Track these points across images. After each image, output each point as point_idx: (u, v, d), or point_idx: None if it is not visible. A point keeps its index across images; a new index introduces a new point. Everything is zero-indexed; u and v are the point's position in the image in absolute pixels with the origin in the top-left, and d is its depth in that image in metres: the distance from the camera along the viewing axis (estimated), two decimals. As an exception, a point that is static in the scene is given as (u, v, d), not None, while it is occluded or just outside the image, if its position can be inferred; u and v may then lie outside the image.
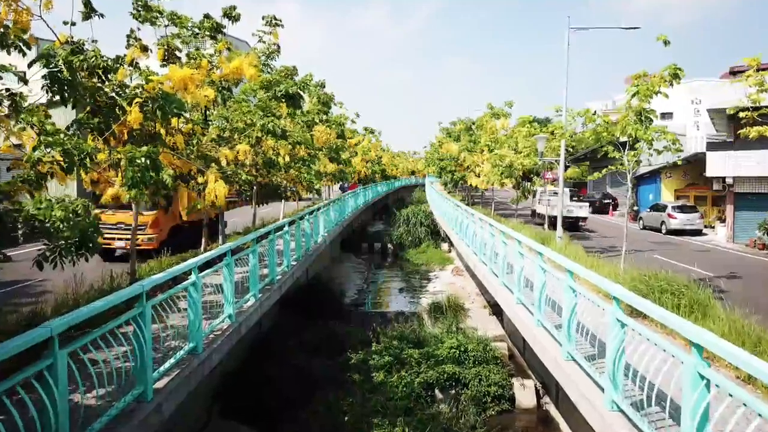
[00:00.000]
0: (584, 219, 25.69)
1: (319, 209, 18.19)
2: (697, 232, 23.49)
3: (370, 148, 36.94)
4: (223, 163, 10.32)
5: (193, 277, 6.94)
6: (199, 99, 8.92)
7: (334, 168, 23.14)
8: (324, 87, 20.91)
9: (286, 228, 12.64)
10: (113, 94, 7.59)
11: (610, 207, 34.02)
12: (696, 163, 25.25)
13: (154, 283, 5.71)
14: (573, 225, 24.95)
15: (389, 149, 67.55)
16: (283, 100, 10.32)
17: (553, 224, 18.81)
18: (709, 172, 22.19)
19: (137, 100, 7.40)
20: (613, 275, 10.82)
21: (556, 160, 16.14)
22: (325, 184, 24.96)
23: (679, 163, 22.01)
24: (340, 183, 35.02)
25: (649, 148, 10.83)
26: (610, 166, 12.47)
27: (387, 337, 14.29)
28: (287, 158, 12.07)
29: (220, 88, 9.31)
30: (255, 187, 13.37)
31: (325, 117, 16.04)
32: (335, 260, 28.72)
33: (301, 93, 11.91)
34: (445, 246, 35.13)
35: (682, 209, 23.53)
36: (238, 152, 10.61)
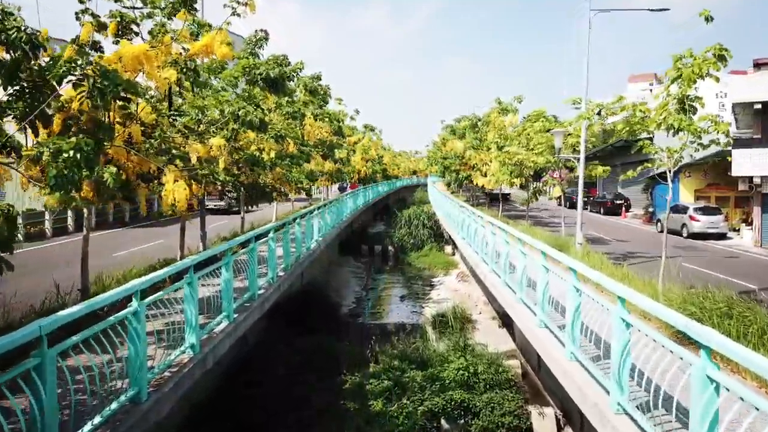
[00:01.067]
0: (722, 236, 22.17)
1: (312, 212, 16.66)
2: (721, 236, 21.90)
3: (370, 146, 35.38)
4: (194, 160, 8.78)
5: (134, 305, 5.40)
6: (158, 81, 7.37)
7: (331, 167, 21.63)
8: (320, 80, 19.37)
9: (271, 234, 11.09)
10: (42, 73, 6.04)
11: (623, 208, 32.40)
12: (718, 161, 23.61)
13: (60, 323, 4.15)
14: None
15: (390, 148, 65.99)
16: (265, 86, 8.76)
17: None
18: (735, 171, 20.58)
19: (69, 79, 5.86)
20: (652, 293, 9.27)
21: (575, 158, 14.57)
22: (322, 184, 23.42)
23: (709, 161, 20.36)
24: (339, 183, 33.50)
25: (693, 142, 9.24)
26: (646, 164, 10.90)
27: (386, 356, 12.76)
28: (272, 154, 10.53)
29: (183, 69, 7.75)
30: (240, 189, 11.85)
31: (319, 111, 14.41)
32: (333, 264, 27.17)
33: (288, 78, 10.37)
34: (448, 249, 33.55)
35: (705, 211, 21.92)
36: (211, 147, 9.07)
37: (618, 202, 32.57)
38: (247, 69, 9.71)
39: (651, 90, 60.61)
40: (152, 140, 7.81)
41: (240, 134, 9.19)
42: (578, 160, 14.51)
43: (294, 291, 15.84)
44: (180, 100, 10.55)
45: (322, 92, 17.49)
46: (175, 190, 6.74)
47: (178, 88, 9.72)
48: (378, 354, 12.90)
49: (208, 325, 7.68)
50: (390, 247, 35.37)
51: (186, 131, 8.22)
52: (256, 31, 17.47)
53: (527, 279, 9.53)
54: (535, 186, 19.54)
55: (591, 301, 6.38)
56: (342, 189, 36.87)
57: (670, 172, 9.99)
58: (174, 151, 7.84)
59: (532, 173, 19.04)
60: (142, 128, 7.71)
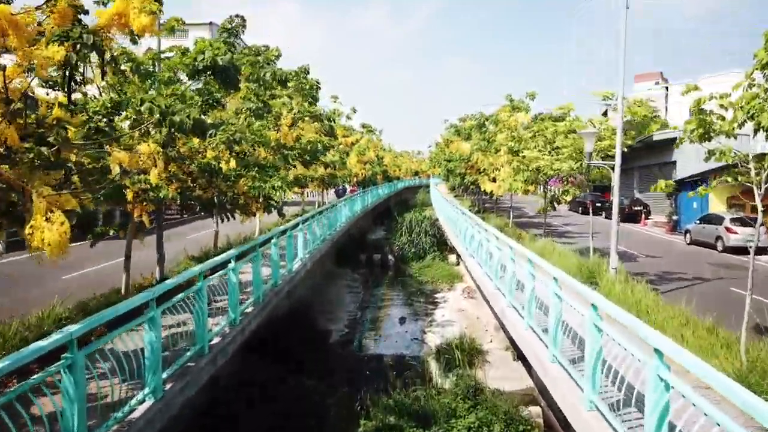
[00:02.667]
0: None
1: (297, 225, 14.29)
2: (762, 250, 19.46)
3: (368, 147, 32.96)
4: (116, 171, 6.44)
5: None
6: (38, 62, 5.03)
7: (323, 172, 19.28)
8: (307, 73, 16.99)
9: (232, 265, 8.73)
10: None
11: (642, 215, 29.93)
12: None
13: None
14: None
15: (391, 149, 63.56)
16: (210, 75, 6.41)
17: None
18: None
19: None
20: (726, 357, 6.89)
21: (608, 165, 12.16)
22: (314, 189, 21.04)
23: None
24: (335, 188, 31.16)
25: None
26: (727, 174, 8.55)
27: (380, 409, 10.39)
28: (232, 164, 8.18)
29: (77, 45, 5.41)
30: (196, 205, 9.49)
31: (302, 109, 11.95)
32: (328, 276, 24.83)
33: (259, 67, 8.03)
34: (452, 257, 31.13)
35: (744, 222, 19.48)
36: (140, 155, 6.71)
37: (636, 208, 30.09)
38: (187, 54, 7.33)
39: (667, 89, 57.97)
40: (42, 147, 5.44)
41: (181, 139, 6.90)
42: (612, 168, 12.10)
43: (281, 313, 13.51)
44: (113, 95, 8.23)
45: (308, 86, 15.12)
46: (45, 227, 4.37)
47: (104, 78, 7.39)
48: (370, 406, 10.54)
49: (118, 414, 5.31)
50: (390, 256, 33.02)
51: (98, 135, 5.85)
52: (230, 17, 15.07)
53: (572, 335, 7.17)
54: (552, 193, 17.11)
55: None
56: (339, 194, 34.45)
57: (759, 188, 7.55)
58: (71, 163, 5.47)
59: (548, 180, 16.69)
60: (28, 130, 5.40)
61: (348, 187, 37.19)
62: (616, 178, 11.93)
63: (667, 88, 44.37)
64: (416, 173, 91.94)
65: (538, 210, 17.32)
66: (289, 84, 11.31)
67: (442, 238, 31.94)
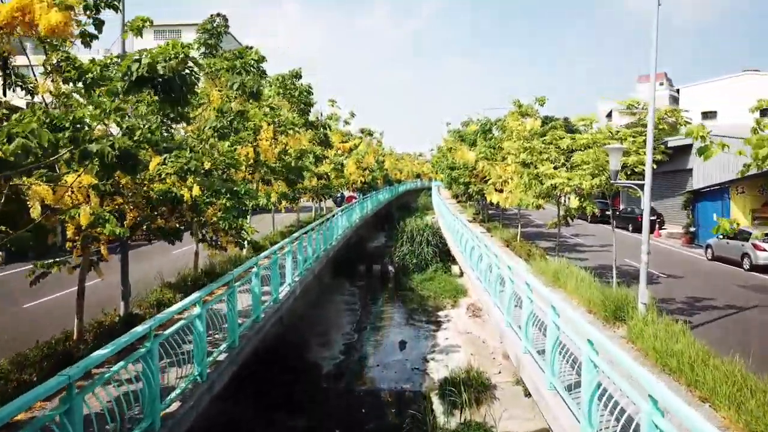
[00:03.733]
0: None
1: (285, 248, 12.85)
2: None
3: (368, 152, 31.47)
4: (37, 213, 5.05)
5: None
6: None
7: (317, 183, 17.88)
8: (298, 77, 15.56)
9: (197, 311, 7.30)
10: None
11: (656, 225, 28.40)
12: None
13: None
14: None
15: (392, 152, 62.06)
16: (151, 87, 4.98)
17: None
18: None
19: None
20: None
21: (637, 185, 10.67)
22: (307, 198, 19.63)
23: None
24: (333, 196, 29.73)
25: None
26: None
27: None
28: (195, 191, 6.75)
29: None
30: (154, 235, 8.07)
31: (284, 120, 10.46)
32: (324, 292, 23.40)
33: (197, 74, 6.57)
34: (455, 268, 29.66)
35: (773, 238, 17.94)
36: (69, 188, 5.29)
37: (650, 217, 28.38)
38: (120, 62, 5.80)
39: (678, 92, 56.39)
40: None
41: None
42: (641, 188, 10.63)
43: (266, 346, 12.08)
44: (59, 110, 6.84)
45: (297, 92, 13.67)
46: None
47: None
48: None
49: None
50: (390, 267, 31.58)
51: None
52: (211, 15, 13.70)
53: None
54: (566, 208, 15.64)
55: None
56: (337, 201, 33.00)
57: None
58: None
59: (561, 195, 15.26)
60: None
61: (346, 194, 35.71)
62: (646, 200, 10.45)
63: (678, 91, 42.78)
64: (418, 175, 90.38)
65: (550, 224, 15.83)
66: (267, 92, 9.84)
67: (445, 247, 30.51)
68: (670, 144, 27.96)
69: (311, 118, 18.17)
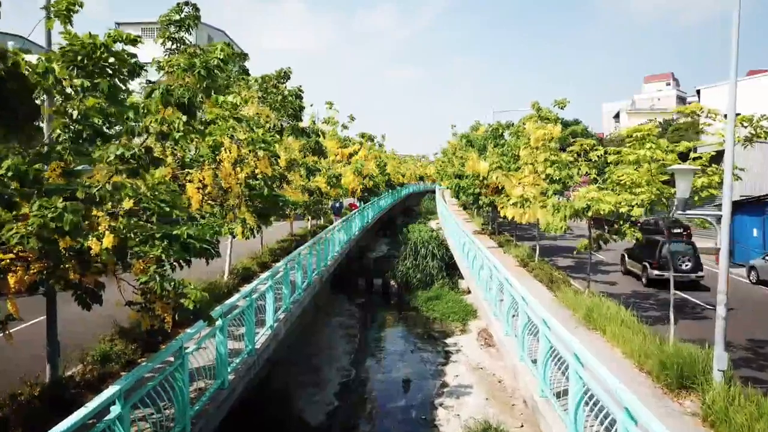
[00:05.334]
0: None
1: (277, 274, 10.65)
2: None
3: (368, 157, 29.25)
4: None
5: None
6: None
7: (308, 199, 15.70)
8: (286, 78, 13.39)
9: (116, 410, 5.11)
10: None
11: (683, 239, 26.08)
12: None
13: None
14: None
15: (395, 154, 59.81)
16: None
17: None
18: None
19: None
20: None
21: (714, 215, 8.47)
22: (291, 219, 17.45)
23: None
24: (331, 204, 27.58)
25: None
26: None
27: None
28: (108, 242, 4.58)
29: None
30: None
31: (258, 136, 8.15)
32: (322, 309, 21.21)
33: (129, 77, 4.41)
34: (463, 284, 27.44)
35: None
36: None
37: (675, 231, 26.25)
38: None
39: (698, 92, 53.85)
40: None
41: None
42: (718, 220, 8.37)
43: (245, 395, 9.89)
44: None
45: (279, 95, 11.47)
46: None
47: None
48: None
49: None
50: (392, 282, 29.32)
51: None
52: (179, 3, 11.55)
53: None
54: (597, 233, 13.43)
55: None
56: (336, 210, 30.83)
57: None
58: None
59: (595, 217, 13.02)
60: None
61: (345, 202, 33.51)
62: (724, 236, 8.19)
63: (698, 91, 40.29)
64: (421, 178, 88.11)
65: (580, 247, 13.59)
66: (234, 99, 7.66)
67: (451, 260, 28.30)
68: (699, 150, 25.64)
69: (306, 122, 15.97)
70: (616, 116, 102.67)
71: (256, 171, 7.70)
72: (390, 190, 48.80)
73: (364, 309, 24.40)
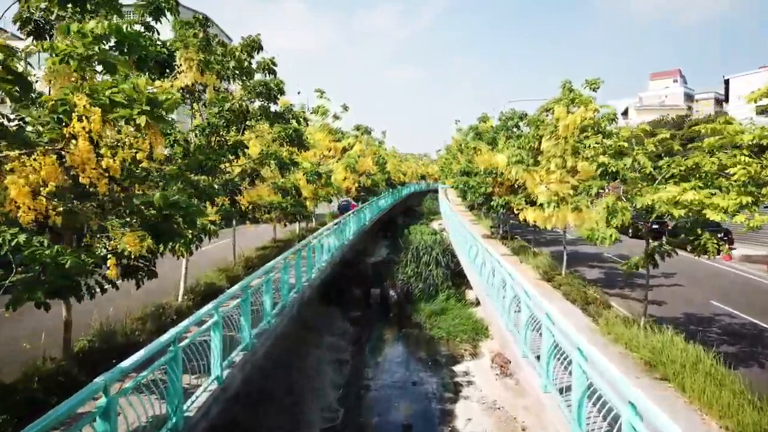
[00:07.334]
0: None
1: (246, 289, 7.65)
2: None
3: (364, 153, 26.19)
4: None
5: None
6: None
7: (285, 201, 12.71)
8: (274, 68, 10.43)
9: None
10: None
11: (722, 244, 22.94)
12: None
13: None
14: None
15: (396, 153, 56.68)
16: None
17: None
18: None
19: None
20: None
21: None
22: (274, 221, 14.43)
23: None
24: (339, 203, 24.69)
25: None
26: None
27: None
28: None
29: None
30: None
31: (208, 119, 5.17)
32: (310, 328, 18.17)
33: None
34: (470, 294, 24.37)
35: None
36: None
37: (711, 232, 22.86)
38: None
39: (727, 82, 50.42)
40: None
41: None
42: None
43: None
44: None
45: (231, 59, 8.56)
46: None
47: None
48: None
49: None
50: (392, 292, 26.28)
51: None
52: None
53: None
54: (653, 244, 10.41)
55: None
56: (343, 208, 28.23)
57: None
58: None
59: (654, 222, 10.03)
60: None
61: (351, 201, 30.75)
62: None
63: (727, 81, 37.11)
64: (423, 177, 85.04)
65: (629, 265, 10.55)
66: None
67: (458, 267, 25.28)
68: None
69: (280, 107, 12.90)
70: (624, 113, 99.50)
71: (139, 155, 4.49)
72: (390, 190, 45.77)
73: (360, 325, 21.35)
